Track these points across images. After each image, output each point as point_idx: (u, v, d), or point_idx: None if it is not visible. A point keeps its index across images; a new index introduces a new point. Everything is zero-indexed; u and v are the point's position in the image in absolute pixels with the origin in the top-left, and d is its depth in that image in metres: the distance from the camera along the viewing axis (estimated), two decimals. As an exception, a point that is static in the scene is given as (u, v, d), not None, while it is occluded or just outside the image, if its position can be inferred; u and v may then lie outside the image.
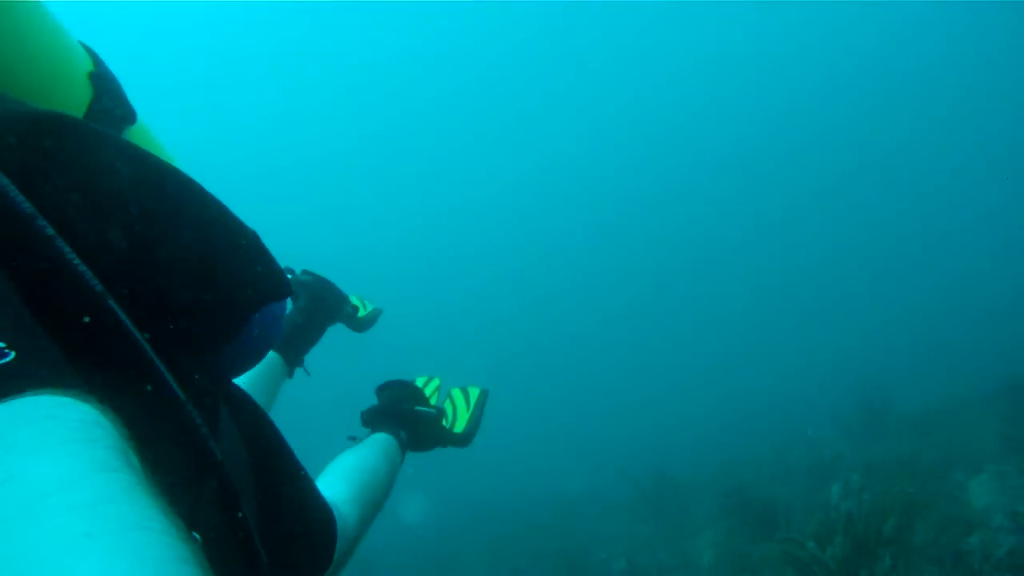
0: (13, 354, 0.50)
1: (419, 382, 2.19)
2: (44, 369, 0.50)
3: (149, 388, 0.64)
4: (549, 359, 16.14)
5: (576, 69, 15.90)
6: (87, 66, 1.03)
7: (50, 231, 0.62)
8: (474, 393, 2.21)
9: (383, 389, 2.05)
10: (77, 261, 0.63)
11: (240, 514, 0.69)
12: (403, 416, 1.97)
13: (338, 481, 1.57)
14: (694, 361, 14.70)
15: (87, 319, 0.62)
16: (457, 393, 2.22)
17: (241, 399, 0.98)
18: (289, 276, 1.99)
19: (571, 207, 18.58)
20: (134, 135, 1.06)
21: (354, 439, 1.87)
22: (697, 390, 13.23)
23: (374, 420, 1.96)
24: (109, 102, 1.03)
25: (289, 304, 1.79)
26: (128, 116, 1.06)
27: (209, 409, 0.84)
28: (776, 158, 18.64)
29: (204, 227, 0.81)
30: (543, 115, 17.18)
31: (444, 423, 2.07)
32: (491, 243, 19.03)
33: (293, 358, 2.09)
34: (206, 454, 0.67)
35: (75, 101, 0.99)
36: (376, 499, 1.64)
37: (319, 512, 1.17)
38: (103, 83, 1.03)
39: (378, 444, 1.83)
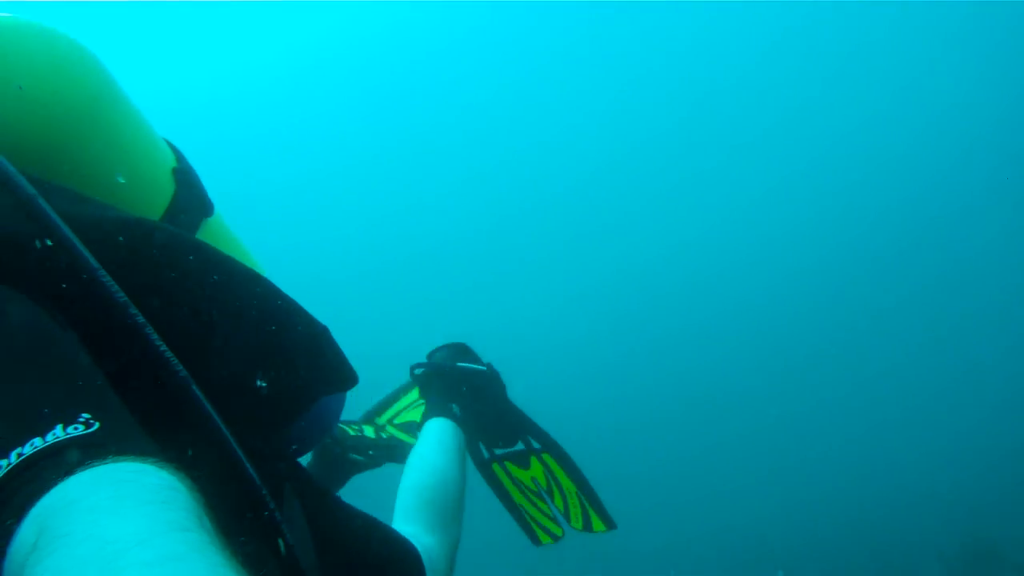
0: (98, 424, 0.55)
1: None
2: (125, 439, 0.55)
3: (224, 468, 0.70)
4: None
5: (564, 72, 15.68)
6: (171, 162, 1.09)
7: (141, 319, 0.70)
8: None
9: (432, 353, 1.95)
10: (164, 347, 0.71)
11: None
12: (449, 376, 1.85)
13: (411, 512, 1.56)
14: (795, 479, 13.92)
15: (170, 399, 0.69)
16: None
17: (303, 477, 1.05)
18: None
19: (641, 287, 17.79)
20: (211, 226, 1.11)
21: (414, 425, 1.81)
22: (792, 512, 12.52)
23: (424, 390, 1.88)
24: (190, 196, 1.08)
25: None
26: (206, 209, 1.11)
27: (274, 486, 0.88)
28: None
29: (272, 322, 0.89)
30: (558, 119, 16.66)
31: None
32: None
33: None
34: (276, 531, 0.73)
35: (160, 196, 1.05)
36: (454, 507, 1.62)
37: (401, 557, 1.22)
38: (185, 178, 1.09)
39: (433, 441, 1.74)
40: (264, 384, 0.86)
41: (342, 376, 0.97)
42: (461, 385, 1.84)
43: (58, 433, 0.53)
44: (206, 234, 1.08)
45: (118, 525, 0.44)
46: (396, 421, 2.03)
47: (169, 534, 0.44)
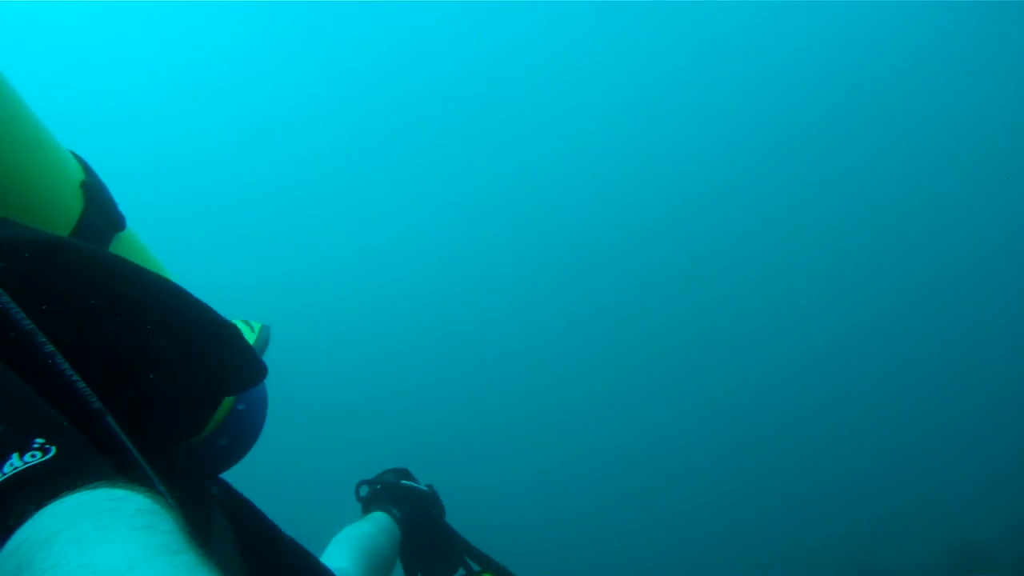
0: (54, 449, 0.52)
1: None
2: (87, 462, 0.53)
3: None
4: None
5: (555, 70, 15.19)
6: (78, 176, 1.05)
7: (49, 347, 0.67)
8: None
9: (381, 475, 2.09)
10: (76, 377, 0.68)
11: None
12: (392, 490, 1.99)
13: (342, 551, 1.66)
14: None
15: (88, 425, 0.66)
16: None
17: (228, 492, 1.07)
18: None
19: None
20: (123, 240, 1.08)
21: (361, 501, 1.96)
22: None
23: (367, 501, 2.00)
24: (99, 211, 1.04)
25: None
26: (118, 223, 1.07)
27: (199, 504, 0.90)
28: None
29: (181, 332, 0.88)
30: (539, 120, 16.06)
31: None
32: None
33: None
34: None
35: (67, 212, 1.01)
36: (381, 565, 1.73)
37: None
38: (94, 192, 1.05)
39: (375, 519, 1.89)
40: (178, 393, 0.85)
41: (250, 372, 0.97)
42: (405, 501, 1.98)
43: (15, 463, 0.51)
44: (119, 249, 1.05)
45: (106, 554, 0.43)
46: None
47: (159, 558, 0.44)
